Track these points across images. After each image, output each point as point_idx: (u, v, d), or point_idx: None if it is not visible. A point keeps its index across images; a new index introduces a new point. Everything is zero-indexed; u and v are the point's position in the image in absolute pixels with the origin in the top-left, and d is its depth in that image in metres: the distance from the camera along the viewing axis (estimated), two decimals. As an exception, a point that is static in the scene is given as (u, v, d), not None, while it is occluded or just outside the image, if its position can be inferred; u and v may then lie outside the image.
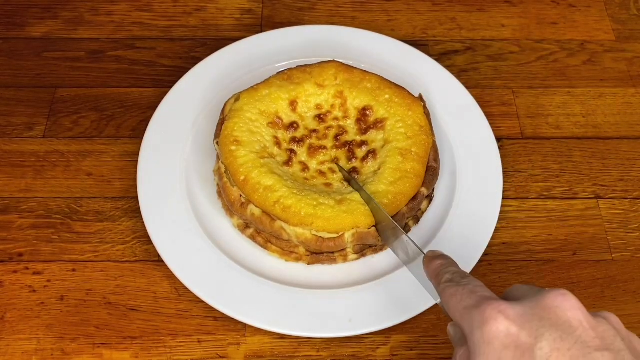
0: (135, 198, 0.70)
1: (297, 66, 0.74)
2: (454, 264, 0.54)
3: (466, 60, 0.85)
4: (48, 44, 0.84)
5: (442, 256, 0.55)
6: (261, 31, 0.85)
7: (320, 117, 0.72)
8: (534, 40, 0.87)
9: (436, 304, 0.63)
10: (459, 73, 0.82)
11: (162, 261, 0.65)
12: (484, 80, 0.83)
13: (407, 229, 0.69)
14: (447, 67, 0.81)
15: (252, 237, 0.68)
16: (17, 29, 0.85)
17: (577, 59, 0.85)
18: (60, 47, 0.84)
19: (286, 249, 0.67)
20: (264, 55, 0.80)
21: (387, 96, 0.71)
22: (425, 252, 0.57)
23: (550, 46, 0.86)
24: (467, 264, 0.66)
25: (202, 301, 0.63)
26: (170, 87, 0.77)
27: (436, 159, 0.70)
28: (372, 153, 0.69)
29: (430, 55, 0.82)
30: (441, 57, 0.84)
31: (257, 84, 0.72)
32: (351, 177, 0.67)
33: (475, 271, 0.67)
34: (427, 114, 0.71)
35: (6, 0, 0.88)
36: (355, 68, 0.73)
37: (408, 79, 0.77)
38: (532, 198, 0.74)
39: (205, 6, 0.89)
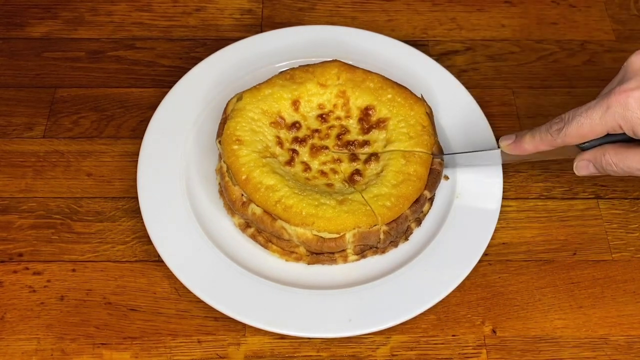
0: (135, 198, 0.69)
1: (300, 66, 0.74)
2: (533, 129, 0.63)
3: (466, 60, 0.85)
4: (48, 44, 0.84)
5: (518, 134, 0.65)
6: (261, 31, 0.85)
7: (322, 117, 0.72)
8: (534, 40, 0.87)
9: (434, 305, 0.63)
10: (459, 73, 0.82)
11: (162, 261, 0.65)
12: (484, 80, 0.83)
13: (409, 231, 0.69)
14: (447, 67, 0.81)
15: (253, 237, 0.68)
16: (17, 29, 0.85)
17: (577, 59, 0.85)
18: (60, 47, 0.84)
19: (287, 248, 0.67)
20: (264, 56, 0.80)
21: (389, 96, 0.71)
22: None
23: (550, 46, 0.86)
24: (467, 264, 0.66)
25: (202, 301, 0.63)
26: (170, 87, 0.77)
27: (440, 161, 0.70)
28: (375, 155, 0.69)
29: (430, 56, 0.82)
30: (441, 57, 0.84)
31: (259, 84, 0.72)
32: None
33: (475, 271, 0.67)
34: (429, 114, 0.71)
35: (6, 0, 0.88)
36: (358, 67, 0.73)
37: (408, 80, 0.77)
38: (532, 198, 0.74)
39: (205, 6, 0.89)
